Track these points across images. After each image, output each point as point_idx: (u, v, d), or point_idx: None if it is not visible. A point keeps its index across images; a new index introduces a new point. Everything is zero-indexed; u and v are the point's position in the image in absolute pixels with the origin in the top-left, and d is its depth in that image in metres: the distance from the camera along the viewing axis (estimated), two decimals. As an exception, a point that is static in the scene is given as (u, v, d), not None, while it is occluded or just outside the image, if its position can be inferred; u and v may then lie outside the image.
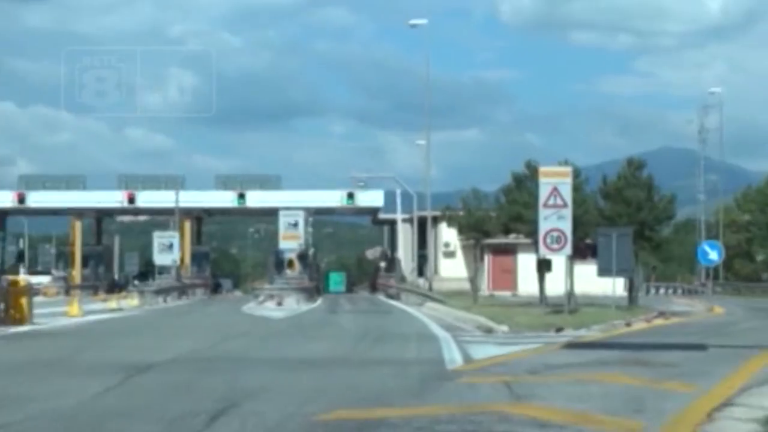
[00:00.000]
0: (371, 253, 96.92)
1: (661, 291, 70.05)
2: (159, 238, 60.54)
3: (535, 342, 23.89)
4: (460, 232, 47.28)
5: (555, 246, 32.73)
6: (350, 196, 73.01)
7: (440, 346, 22.72)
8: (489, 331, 28.43)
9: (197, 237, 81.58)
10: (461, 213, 44.33)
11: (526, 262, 68.18)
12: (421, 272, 69.92)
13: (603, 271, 36.70)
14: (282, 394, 13.76)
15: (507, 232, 42.76)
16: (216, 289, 76.91)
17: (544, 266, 32.94)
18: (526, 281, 67.28)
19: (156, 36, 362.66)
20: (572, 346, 22.89)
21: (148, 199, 73.30)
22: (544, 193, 32.96)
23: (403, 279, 67.81)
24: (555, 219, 32.81)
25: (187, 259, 73.50)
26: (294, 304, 50.44)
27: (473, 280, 46.75)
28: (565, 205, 32.83)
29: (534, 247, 42.77)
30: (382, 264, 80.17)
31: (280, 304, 50.57)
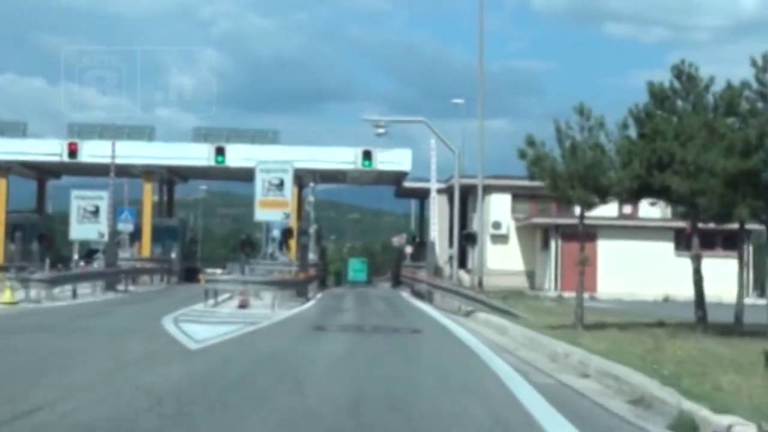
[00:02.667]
0: (397, 240, 77.51)
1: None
2: (79, 200, 40.89)
3: None
4: (553, 189, 23.73)
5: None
6: (366, 155, 52.68)
7: None
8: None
9: (168, 206, 62.67)
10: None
11: (609, 252, 49.33)
12: (462, 262, 50.33)
13: None
14: None
15: (638, 194, 22.70)
16: (189, 276, 57.64)
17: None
18: (610, 279, 48.55)
19: (187, 18, 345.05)
20: None
21: (95, 152, 53.96)
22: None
23: (437, 271, 48.03)
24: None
25: (147, 237, 54.63)
26: (267, 307, 32.05)
27: (580, 273, 24.37)
28: None
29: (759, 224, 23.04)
30: (408, 249, 60.41)
31: (243, 305, 32.17)
